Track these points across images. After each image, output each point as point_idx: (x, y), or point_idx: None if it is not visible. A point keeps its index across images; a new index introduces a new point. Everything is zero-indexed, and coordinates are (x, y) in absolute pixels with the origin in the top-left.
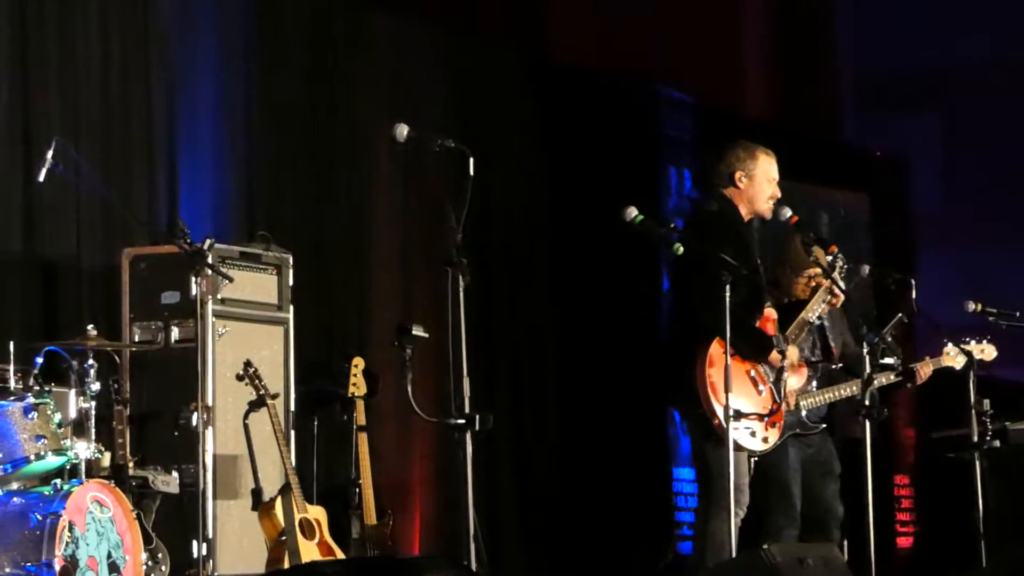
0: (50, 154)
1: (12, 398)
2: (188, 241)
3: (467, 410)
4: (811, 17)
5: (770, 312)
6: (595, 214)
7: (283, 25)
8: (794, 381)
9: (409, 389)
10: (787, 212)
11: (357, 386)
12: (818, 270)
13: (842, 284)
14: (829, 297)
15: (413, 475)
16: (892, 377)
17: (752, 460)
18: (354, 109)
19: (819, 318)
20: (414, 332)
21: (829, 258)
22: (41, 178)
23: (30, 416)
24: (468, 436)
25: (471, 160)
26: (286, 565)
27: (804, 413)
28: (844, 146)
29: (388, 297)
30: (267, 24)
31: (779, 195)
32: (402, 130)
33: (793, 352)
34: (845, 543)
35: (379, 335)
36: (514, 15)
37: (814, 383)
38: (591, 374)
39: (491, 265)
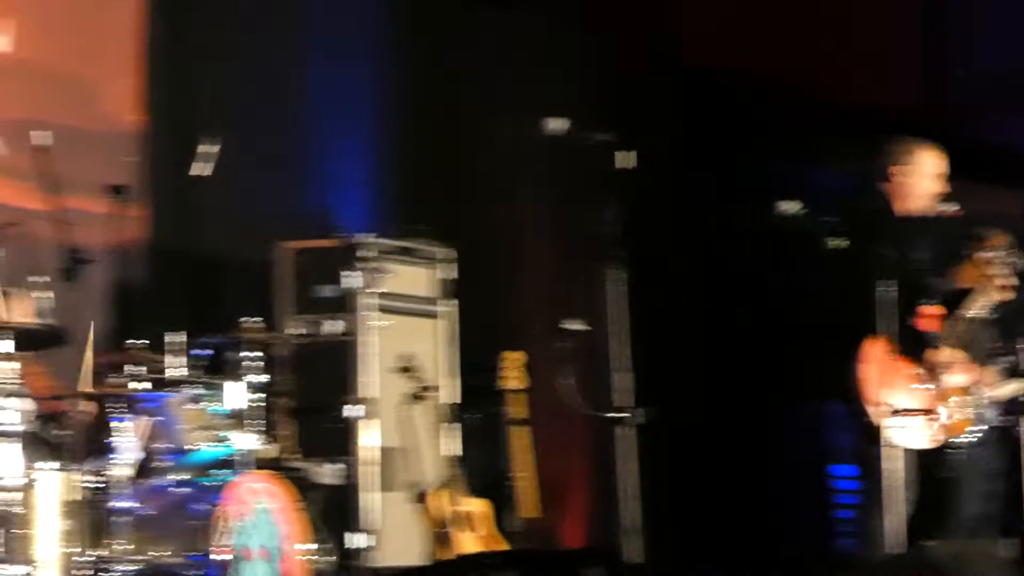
0: (207, 148)
1: (176, 390)
2: (346, 235)
3: (623, 404)
4: (951, 16)
5: (934, 309)
6: (740, 210)
7: (437, 18)
8: (956, 378)
9: (568, 383)
10: (951, 207)
11: (516, 379)
12: (987, 263)
13: (1011, 276)
14: (998, 290)
15: (571, 469)
16: None
17: (919, 455)
18: (510, 103)
19: (992, 311)
20: (573, 326)
21: (994, 253)
22: (198, 172)
23: (194, 407)
24: (624, 430)
25: (624, 154)
26: (447, 557)
27: (977, 409)
28: (995, 146)
29: (546, 291)
30: (419, 17)
31: (944, 190)
32: (556, 124)
33: (952, 351)
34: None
35: (537, 329)
36: (650, 13)
37: (994, 378)
38: (746, 368)
39: (646, 259)
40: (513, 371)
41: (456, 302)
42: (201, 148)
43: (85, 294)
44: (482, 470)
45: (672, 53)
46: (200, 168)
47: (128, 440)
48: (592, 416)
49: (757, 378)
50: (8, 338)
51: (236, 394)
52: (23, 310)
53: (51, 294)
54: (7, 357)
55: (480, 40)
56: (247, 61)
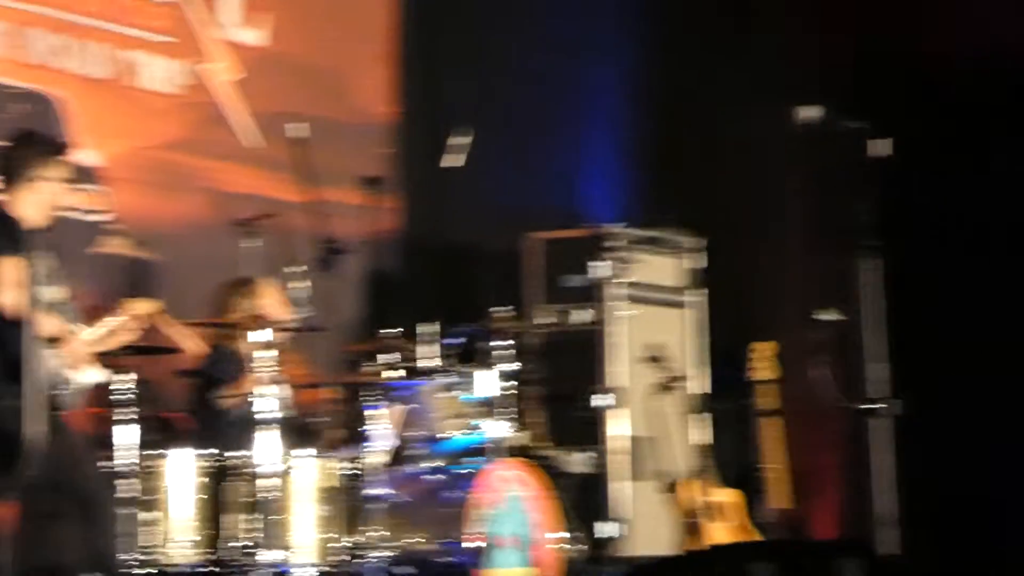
0: (458, 140)
1: (430, 378)
2: (595, 224)
3: (878, 394)
4: None
5: None
6: (997, 197)
7: (684, 7)
8: None
9: (821, 373)
10: None
11: (766, 370)
12: None
13: None
14: None
15: (823, 460)
16: None
17: None
18: (758, 91)
19: None
20: (827, 316)
21: None
22: (450, 164)
23: (447, 396)
24: (879, 421)
25: (879, 142)
26: (698, 546)
27: None
28: None
29: (797, 281)
30: (668, 4)
31: None
32: (808, 112)
33: None
34: None
35: (788, 319)
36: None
37: None
38: (1007, 358)
39: (902, 247)
40: (764, 361)
41: (705, 291)
42: (452, 140)
43: (340, 284)
44: (732, 460)
45: (917, 41)
46: (452, 160)
47: (382, 428)
48: (845, 407)
49: (1018, 368)
50: (267, 328)
51: (487, 383)
52: (279, 300)
53: (307, 284)
54: (265, 346)
55: (728, 28)
56: (498, 53)
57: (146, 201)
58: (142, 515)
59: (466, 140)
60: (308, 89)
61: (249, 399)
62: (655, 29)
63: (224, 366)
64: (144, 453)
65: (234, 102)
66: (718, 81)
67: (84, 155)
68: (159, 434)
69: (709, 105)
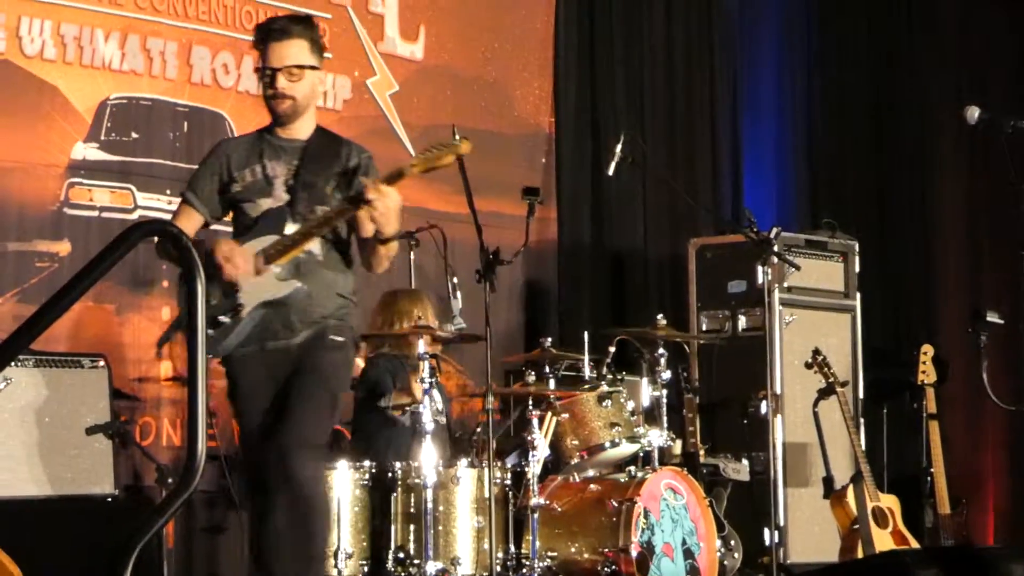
0: (619, 147)
1: (587, 386)
2: (755, 230)
3: None
4: None
5: None
6: None
7: (844, 12)
8: None
9: (984, 376)
10: None
11: (926, 373)
12: None
13: None
14: None
15: (986, 464)
16: None
17: None
18: (919, 93)
19: None
20: (988, 318)
21: None
22: (611, 171)
23: (604, 404)
24: None
25: None
26: (859, 554)
27: None
28: None
29: (957, 283)
30: (828, 9)
31: None
32: (973, 112)
33: None
34: None
35: (948, 321)
36: None
37: None
38: None
39: None
40: (921, 364)
41: (859, 295)
42: (614, 147)
43: (500, 294)
44: (893, 465)
45: None
46: (615, 167)
47: (541, 438)
48: (1009, 410)
49: None
50: (428, 338)
51: (646, 391)
52: (440, 311)
53: (467, 294)
54: (426, 357)
55: (898, 29)
56: (657, 60)
57: None
58: None
59: (625, 148)
60: (466, 100)
61: (411, 409)
62: (817, 30)
63: (386, 377)
64: None
65: (395, 115)
66: (877, 81)
67: None
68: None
69: (868, 105)
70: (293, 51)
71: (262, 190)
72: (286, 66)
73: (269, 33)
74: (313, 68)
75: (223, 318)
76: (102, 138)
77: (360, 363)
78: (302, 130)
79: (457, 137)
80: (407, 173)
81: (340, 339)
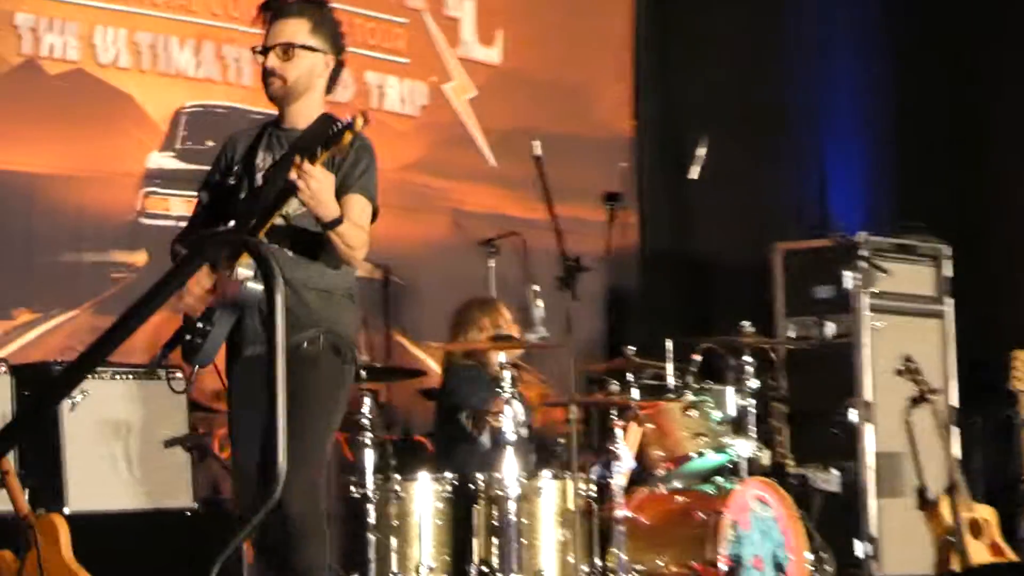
0: (701, 151)
1: (674, 396)
2: (841, 234)
3: None
4: None
5: None
6: None
7: (929, 5)
8: None
9: None
10: None
11: (1020, 379)
12: None
13: None
14: None
15: None
16: None
17: None
18: (1012, 92)
19: None
20: None
21: None
22: (694, 175)
23: (690, 413)
24: None
25: None
26: (955, 567)
27: None
28: None
29: None
30: (912, 4)
31: None
32: None
33: None
34: None
35: None
36: None
37: None
38: None
39: None
40: (1016, 371)
41: (950, 300)
42: (694, 151)
43: (580, 301)
44: (988, 474)
45: None
46: (694, 171)
47: (625, 448)
48: None
49: None
50: (509, 347)
51: (733, 400)
52: (519, 320)
53: (548, 302)
54: (507, 366)
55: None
56: (739, 62)
57: (388, 223)
58: (383, 540)
59: (706, 151)
60: (546, 105)
61: (492, 420)
62: (902, 30)
63: (466, 387)
64: (380, 477)
65: (473, 121)
66: (967, 79)
67: None
68: (399, 457)
69: (956, 105)
70: (289, 29)
71: (248, 182)
72: (279, 43)
73: (268, 11)
74: (311, 50)
75: (200, 324)
76: (177, 147)
77: (436, 367)
78: (302, 119)
79: (351, 117)
80: (318, 156)
81: (313, 351)
